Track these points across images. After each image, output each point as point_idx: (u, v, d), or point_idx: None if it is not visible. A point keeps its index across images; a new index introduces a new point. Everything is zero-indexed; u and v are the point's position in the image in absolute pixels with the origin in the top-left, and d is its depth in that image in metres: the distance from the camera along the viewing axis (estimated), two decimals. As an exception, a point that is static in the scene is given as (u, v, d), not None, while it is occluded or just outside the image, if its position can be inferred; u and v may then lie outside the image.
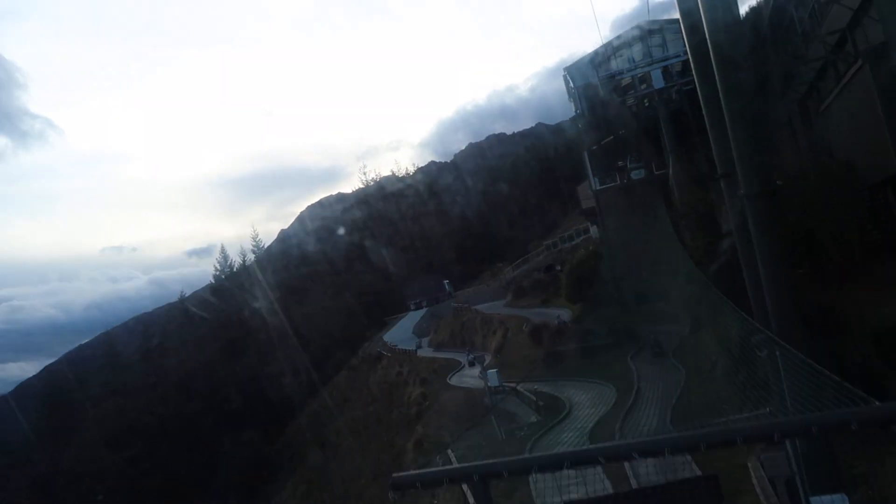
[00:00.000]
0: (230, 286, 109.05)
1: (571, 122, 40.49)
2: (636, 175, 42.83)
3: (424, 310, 76.56)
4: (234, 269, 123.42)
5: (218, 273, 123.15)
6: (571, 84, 34.99)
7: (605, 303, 41.01)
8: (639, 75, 33.26)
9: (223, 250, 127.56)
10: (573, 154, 66.35)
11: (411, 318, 75.02)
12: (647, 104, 33.18)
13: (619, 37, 35.84)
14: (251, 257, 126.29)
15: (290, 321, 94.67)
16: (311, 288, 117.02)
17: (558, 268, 66.08)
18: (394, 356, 54.99)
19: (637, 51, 35.30)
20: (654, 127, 38.00)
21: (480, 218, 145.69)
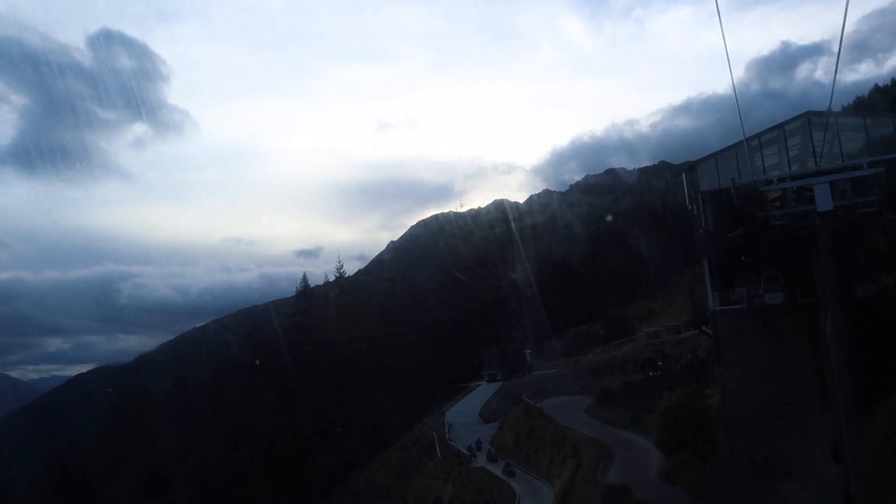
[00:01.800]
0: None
1: (691, 223, 30.83)
2: (771, 299, 32.59)
3: (499, 384, 67.91)
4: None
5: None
6: (692, 186, 25.81)
7: (705, 465, 31.28)
8: (793, 189, 23.73)
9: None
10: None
11: (482, 393, 66.61)
12: (798, 226, 23.75)
13: (769, 130, 26.20)
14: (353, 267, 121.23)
15: (372, 354, 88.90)
16: (398, 317, 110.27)
17: (656, 371, 55.63)
18: (442, 461, 46.65)
19: (795, 150, 25.67)
20: (803, 248, 27.98)
21: (584, 264, 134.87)
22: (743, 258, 36.55)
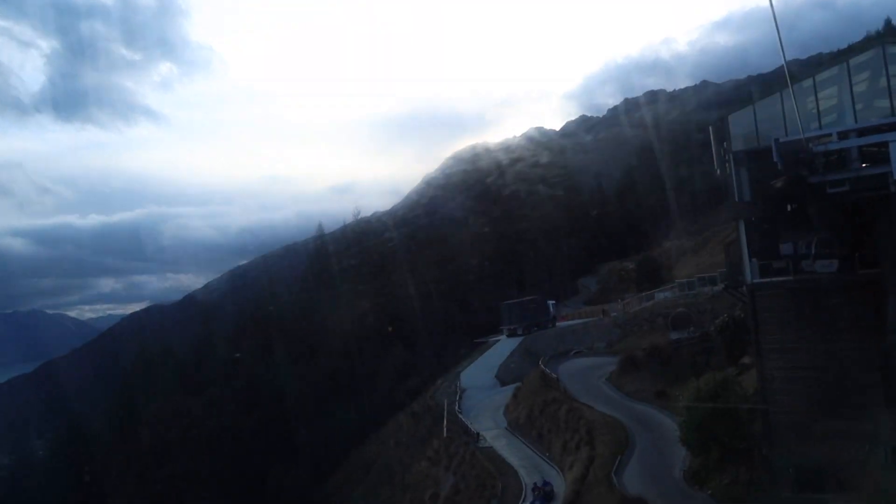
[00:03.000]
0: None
1: (723, 190, 24.40)
2: (823, 267, 26.78)
3: (519, 339, 63.45)
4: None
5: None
6: (723, 146, 19.66)
7: (740, 468, 26.44)
8: (856, 148, 17.58)
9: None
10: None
11: (500, 350, 62.28)
12: (863, 191, 17.74)
13: (827, 66, 19.61)
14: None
15: (391, 305, 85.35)
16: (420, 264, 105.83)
17: (688, 331, 50.10)
18: (447, 440, 42.67)
19: (861, 96, 19.26)
20: (867, 210, 21.98)
21: (620, 195, 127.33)
22: (788, 217, 30.47)
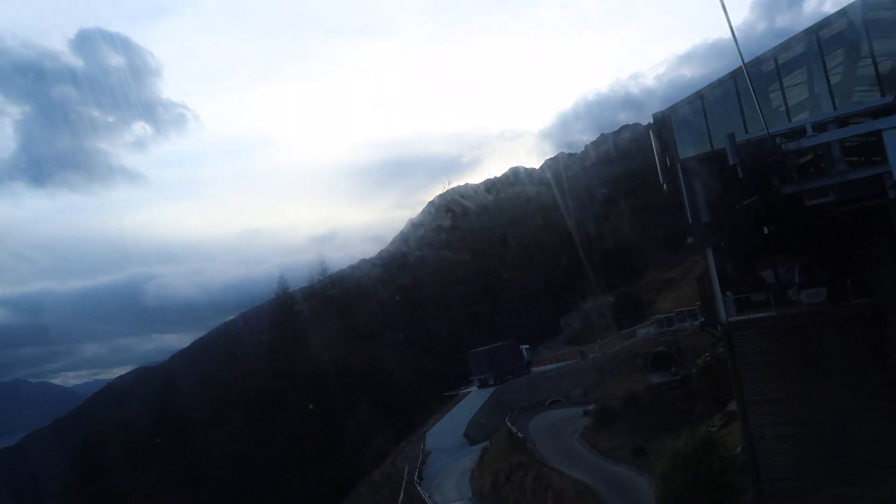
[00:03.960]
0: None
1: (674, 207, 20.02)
2: (810, 297, 22.54)
3: (492, 389, 58.28)
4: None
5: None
6: (666, 152, 15.46)
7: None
8: (838, 143, 13.38)
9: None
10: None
11: (471, 403, 57.00)
12: (851, 199, 13.55)
13: (791, 43, 15.53)
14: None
15: (360, 358, 79.82)
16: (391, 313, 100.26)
17: (670, 371, 45.48)
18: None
19: (837, 76, 15.30)
20: (856, 225, 17.71)
21: (599, 231, 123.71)
22: (764, 240, 26.25)
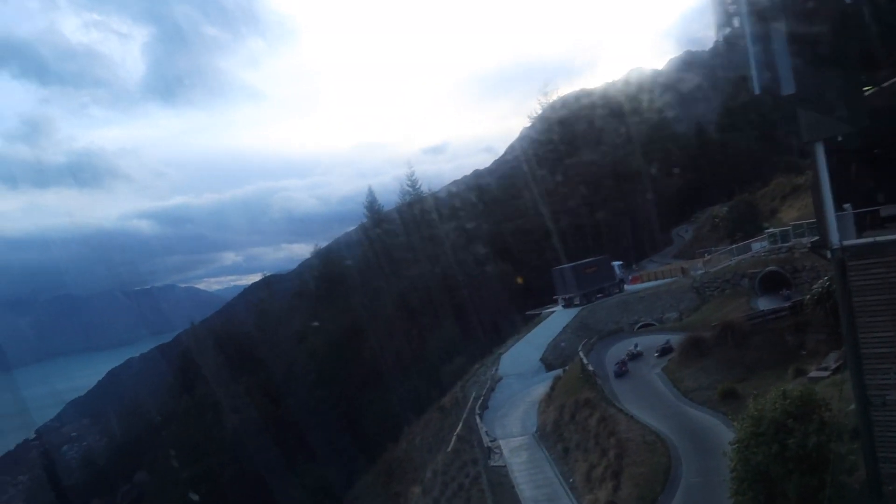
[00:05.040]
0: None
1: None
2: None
3: (577, 310, 53.32)
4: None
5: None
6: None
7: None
8: None
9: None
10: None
11: (552, 325, 52.51)
12: None
13: None
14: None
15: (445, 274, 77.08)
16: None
17: (787, 294, 38.25)
18: (451, 455, 34.09)
19: None
20: None
21: (723, 130, 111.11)
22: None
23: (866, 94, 18.13)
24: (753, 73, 8.60)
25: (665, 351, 35.48)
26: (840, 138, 17.03)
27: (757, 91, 8.71)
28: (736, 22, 8.72)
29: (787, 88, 9.05)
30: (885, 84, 18.53)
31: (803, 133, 16.83)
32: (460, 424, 36.98)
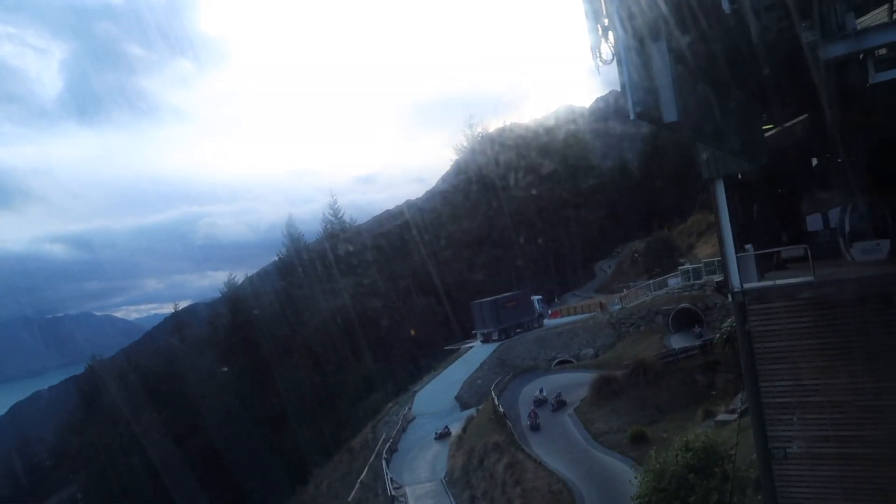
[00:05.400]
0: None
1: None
2: (865, 254, 15.37)
3: (495, 344, 52.13)
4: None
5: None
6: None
7: None
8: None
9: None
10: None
11: (470, 360, 51.03)
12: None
13: None
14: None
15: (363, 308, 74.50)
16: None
17: (699, 331, 38.30)
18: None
19: None
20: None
21: (641, 170, 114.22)
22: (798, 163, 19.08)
23: (768, 133, 17.76)
24: (628, 93, 7.38)
25: (560, 404, 34.14)
26: (740, 176, 16.48)
27: (632, 116, 7.52)
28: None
29: (669, 116, 7.83)
30: (787, 124, 18.21)
31: (702, 169, 16.22)
32: (365, 470, 34.69)
